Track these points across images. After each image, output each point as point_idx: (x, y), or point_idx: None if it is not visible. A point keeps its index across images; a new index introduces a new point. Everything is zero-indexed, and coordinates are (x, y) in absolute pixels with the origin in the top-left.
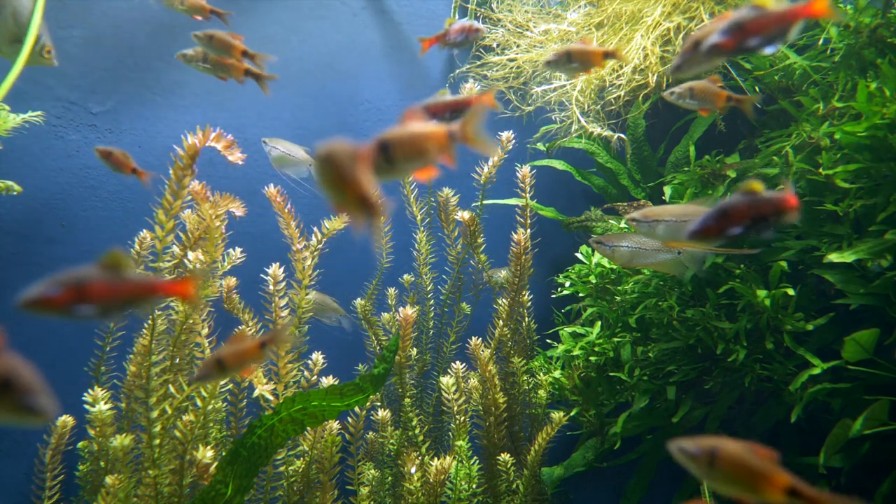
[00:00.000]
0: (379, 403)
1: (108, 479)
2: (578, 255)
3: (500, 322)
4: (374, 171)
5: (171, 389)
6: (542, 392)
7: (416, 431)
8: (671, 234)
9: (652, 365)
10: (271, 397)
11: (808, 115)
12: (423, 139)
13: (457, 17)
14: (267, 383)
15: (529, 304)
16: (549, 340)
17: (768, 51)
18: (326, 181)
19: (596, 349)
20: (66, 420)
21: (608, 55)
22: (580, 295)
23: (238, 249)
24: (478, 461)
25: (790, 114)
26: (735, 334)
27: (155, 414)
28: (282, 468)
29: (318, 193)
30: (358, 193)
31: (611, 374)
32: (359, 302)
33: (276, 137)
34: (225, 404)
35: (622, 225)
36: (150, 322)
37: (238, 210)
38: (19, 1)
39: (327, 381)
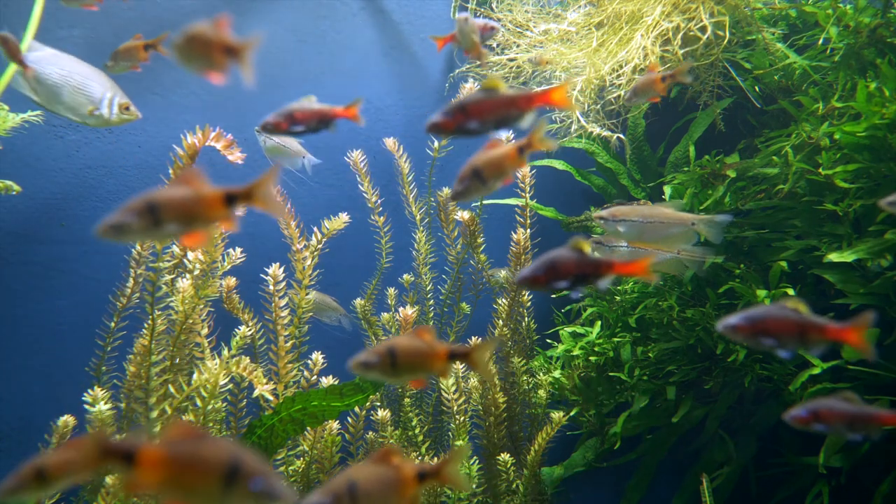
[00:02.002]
0: (379, 403)
1: (108, 479)
2: None
3: (500, 322)
4: (135, 233)
5: (171, 389)
6: (541, 392)
7: (416, 431)
8: (637, 234)
9: (652, 365)
10: (271, 397)
11: (807, 115)
12: (194, 203)
13: (456, 15)
14: (267, 383)
15: (529, 304)
16: (549, 340)
17: (501, 134)
18: (191, 49)
19: (596, 349)
20: (68, 420)
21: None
22: (580, 295)
23: (238, 249)
24: (478, 461)
25: (790, 114)
26: None
27: (155, 414)
28: (282, 468)
29: (317, 192)
30: (223, 43)
31: (611, 374)
32: (358, 302)
33: None
34: (225, 404)
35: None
36: (149, 322)
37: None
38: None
39: (327, 381)
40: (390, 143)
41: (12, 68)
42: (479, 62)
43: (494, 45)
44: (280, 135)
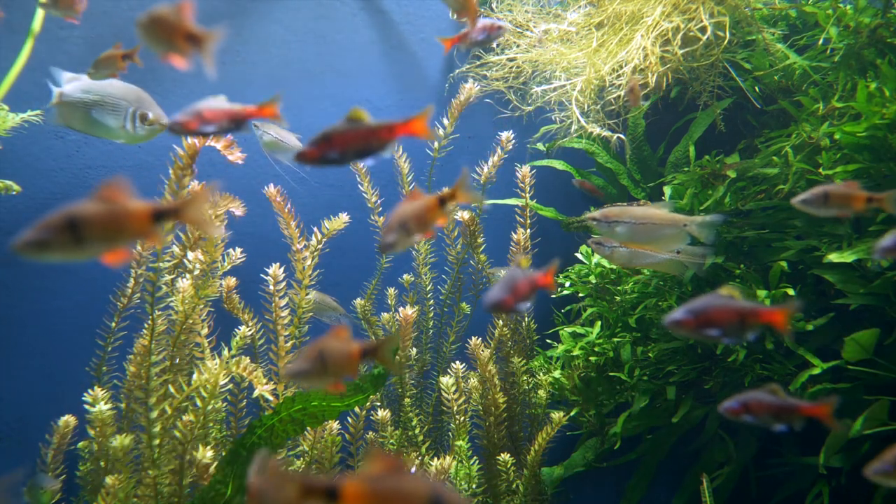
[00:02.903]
0: (379, 403)
1: (108, 479)
2: (578, 255)
3: (500, 322)
4: (54, 251)
5: (171, 389)
6: (542, 392)
7: (416, 431)
8: (630, 236)
9: (652, 365)
10: (271, 397)
11: (808, 115)
12: (119, 219)
13: (456, 16)
14: (267, 383)
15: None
16: (549, 340)
17: (368, 162)
18: (153, 32)
19: (596, 349)
20: (69, 420)
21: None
22: (580, 295)
23: (238, 249)
24: (478, 461)
25: (790, 114)
26: None
27: (155, 414)
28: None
29: (317, 192)
30: (184, 30)
31: (611, 374)
32: (358, 302)
33: (268, 123)
34: (225, 404)
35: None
36: (149, 322)
37: (238, 210)
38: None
39: None
40: None
41: (16, 69)
42: (478, 62)
43: (494, 45)
44: (188, 135)
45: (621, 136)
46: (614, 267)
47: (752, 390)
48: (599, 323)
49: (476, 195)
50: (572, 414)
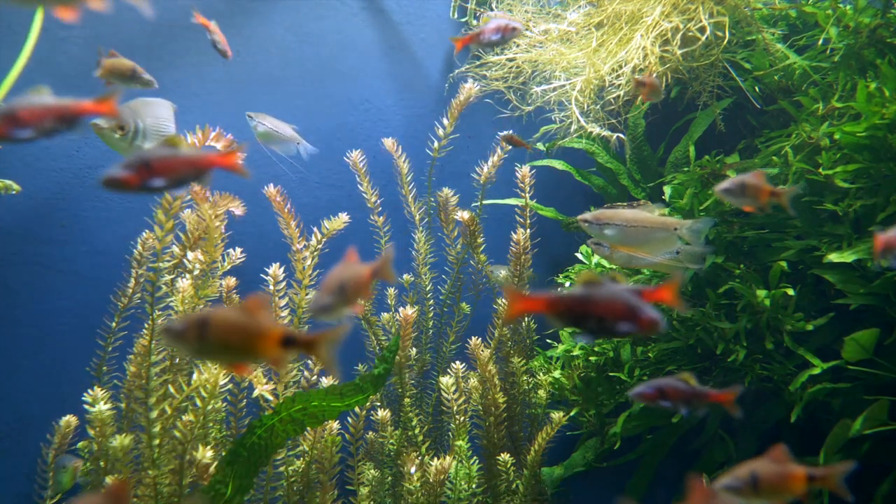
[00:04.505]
0: (379, 403)
1: (108, 480)
2: (578, 255)
3: (500, 322)
4: None
5: (171, 389)
6: (542, 392)
7: (416, 431)
8: (621, 238)
9: (652, 365)
10: (271, 397)
11: (807, 115)
12: None
13: (456, 15)
14: (267, 383)
15: None
16: (549, 340)
17: (178, 191)
18: None
19: (596, 349)
20: (70, 420)
21: None
22: None
23: (238, 249)
24: (478, 461)
25: (790, 114)
26: (735, 334)
27: (155, 414)
28: (282, 468)
29: (317, 192)
30: None
31: (611, 374)
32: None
33: (262, 113)
34: (225, 404)
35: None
36: (149, 322)
37: (238, 210)
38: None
39: (327, 381)
40: (389, 143)
41: (16, 69)
42: (478, 62)
43: None
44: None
45: (621, 135)
46: (614, 267)
47: (663, 377)
48: None
49: (395, 276)
50: (572, 414)
